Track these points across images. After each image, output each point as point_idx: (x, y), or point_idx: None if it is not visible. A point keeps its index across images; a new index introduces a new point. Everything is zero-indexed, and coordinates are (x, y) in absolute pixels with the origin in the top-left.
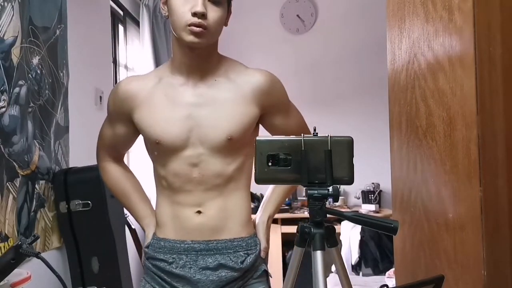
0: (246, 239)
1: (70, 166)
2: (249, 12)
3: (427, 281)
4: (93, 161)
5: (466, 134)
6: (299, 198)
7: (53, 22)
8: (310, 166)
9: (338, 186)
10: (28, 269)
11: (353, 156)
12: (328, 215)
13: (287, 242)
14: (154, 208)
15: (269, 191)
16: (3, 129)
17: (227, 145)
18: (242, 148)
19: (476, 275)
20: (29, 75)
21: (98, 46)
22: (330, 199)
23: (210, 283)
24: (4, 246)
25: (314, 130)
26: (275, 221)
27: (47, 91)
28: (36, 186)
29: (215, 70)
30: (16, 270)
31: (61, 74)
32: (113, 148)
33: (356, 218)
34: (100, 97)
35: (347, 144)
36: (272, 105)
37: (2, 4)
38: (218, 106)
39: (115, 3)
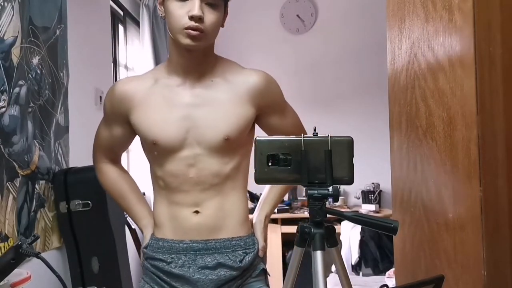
0: (244, 238)
1: (70, 166)
2: (249, 12)
3: (427, 281)
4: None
5: (466, 134)
6: (299, 198)
7: (53, 22)
8: (310, 166)
9: (338, 186)
10: (28, 269)
11: (353, 156)
12: (328, 215)
13: (287, 242)
14: (152, 209)
15: (266, 191)
16: (3, 129)
17: (224, 145)
18: (238, 148)
19: (476, 275)
20: (29, 75)
21: (98, 46)
22: (330, 199)
23: (209, 282)
24: (4, 246)
25: (314, 130)
26: (275, 221)
27: (47, 91)
28: (36, 186)
29: (211, 71)
30: (16, 270)
31: (61, 74)
32: (110, 149)
33: (356, 218)
34: (100, 97)
35: (347, 144)
36: (268, 105)
37: (2, 4)
38: (215, 107)
39: (115, 3)
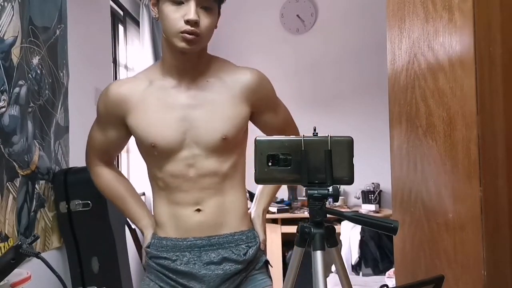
0: (245, 232)
1: (70, 166)
2: (249, 12)
3: (427, 281)
4: None
5: (466, 134)
6: (299, 198)
7: (53, 22)
8: (310, 166)
9: (338, 186)
10: (28, 269)
11: (353, 156)
12: (328, 215)
13: (287, 242)
14: (152, 209)
15: (260, 186)
16: (3, 129)
17: (222, 145)
18: (235, 147)
19: (476, 275)
20: (29, 75)
21: (98, 46)
22: (330, 199)
23: (215, 277)
24: (4, 246)
25: (314, 130)
26: (275, 221)
27: (47, 91)
28: (36, 186)
29: (206, 71)
30: (16, 270)
31: (61, 74)
32: (104, 152)
33: (356, 218)
34: None
35: (347, 144)
36: (262, 103)
37: (2, 4)
38: (211, 107)
39: (115, 3)
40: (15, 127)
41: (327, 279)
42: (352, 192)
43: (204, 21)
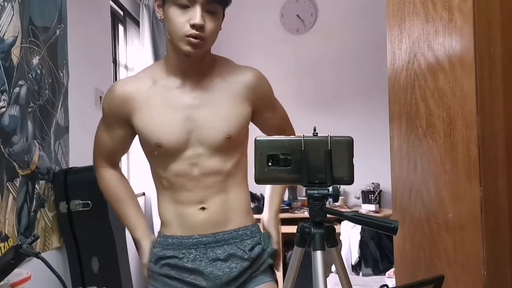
0: (249, 227)
1: (70, 166)
2: (249, 12)
3: (427, 281)
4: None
5: (466, 134)
6: (299, 198)
7: (53, 22)
8: (310, 166)
9: (338, 186)
10: (28, 269)
11: (353, 156)
12: (328, 215)
13: (287, 242)
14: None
15: (268, 190)
16: (3, 129)
17: (225, 144)
18: (238, 146)
19: (476, 275)
20: (29, 75)
21: (98, 46)
22: (330, 199)
23: (222, 275)
24: (4, 246)
25: (314, 130)
26: None
27: (47, 91)
28: (36, 186)
29: (210, 72)
30: (16, 270)
31: (61, 74)
32: (110, 153)
33: (356, 218)
34: (100, 97)
35: (347, 144)
36: (261, 101)
37: (2, 4)
38: (215, 107)
39: (115, 3)
40: (15, 127)
41: (327, 279)
42: (352, 192)
43: (209, 25)
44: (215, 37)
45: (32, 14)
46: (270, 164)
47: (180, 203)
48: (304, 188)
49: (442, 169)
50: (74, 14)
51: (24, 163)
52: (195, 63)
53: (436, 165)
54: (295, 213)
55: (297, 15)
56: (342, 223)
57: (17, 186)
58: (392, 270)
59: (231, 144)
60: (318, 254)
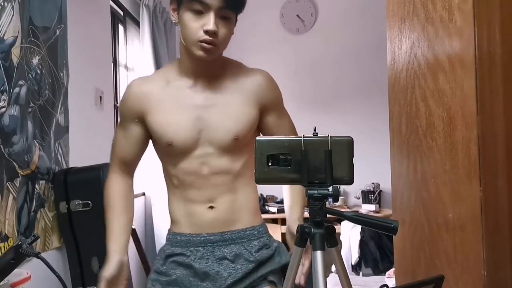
0: (257, 227)
1: (70, 166)
2: (249, 12)
3: (427, 281)
4: (93, 161)
5: (466, 134)
6: None
7: (53, 22)
8: (310, 166)
9: (338, 186)
10: (28, 269)
11: (353, 156)
12: (328, 215)
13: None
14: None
15: (287, 190)
16: (3, 129)
17: (234, 144)
18: (246, 147)
19: (476, 275)
20: (29, 75)
21: (98, 46)
22: (330, 199)
23: (227, 276)
24: (4, 246)
25: (314, 130)
26: (275, 221)
27: (47, 91)
28: (36, 186)
29: (221, 73)
30: (16, 270)
31: (61, 74)
32: (125, 157)
33: (356, 218)
34: (100, 97)
35: (347, 144)
36: (268, 104)
37: (2, 4)
38: (225, 108)
39: (115, 3)
40: (15, 127)
41: (327, 279)
42: (352, 192)
43: (222, 30)
44: (227, 42)
45: (32, 14)
46: (270, 164)
47: (189, 201)
48: (304, 188)
49: (442, 169)
50: (74, 14)
51: (24, 163)
52: (207, 66)
53: (436, 165)
54: None
55: (297, 15)
56: (342, 223)
57: (17, 186)
58: (392, 270)
59: (239, 145)
60: (318, 254)
